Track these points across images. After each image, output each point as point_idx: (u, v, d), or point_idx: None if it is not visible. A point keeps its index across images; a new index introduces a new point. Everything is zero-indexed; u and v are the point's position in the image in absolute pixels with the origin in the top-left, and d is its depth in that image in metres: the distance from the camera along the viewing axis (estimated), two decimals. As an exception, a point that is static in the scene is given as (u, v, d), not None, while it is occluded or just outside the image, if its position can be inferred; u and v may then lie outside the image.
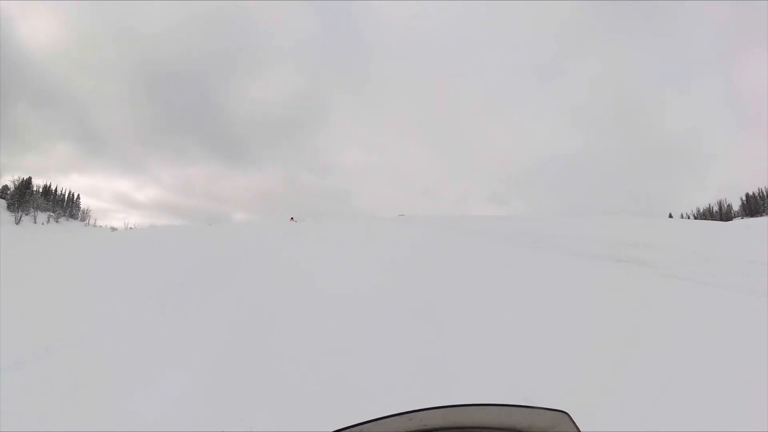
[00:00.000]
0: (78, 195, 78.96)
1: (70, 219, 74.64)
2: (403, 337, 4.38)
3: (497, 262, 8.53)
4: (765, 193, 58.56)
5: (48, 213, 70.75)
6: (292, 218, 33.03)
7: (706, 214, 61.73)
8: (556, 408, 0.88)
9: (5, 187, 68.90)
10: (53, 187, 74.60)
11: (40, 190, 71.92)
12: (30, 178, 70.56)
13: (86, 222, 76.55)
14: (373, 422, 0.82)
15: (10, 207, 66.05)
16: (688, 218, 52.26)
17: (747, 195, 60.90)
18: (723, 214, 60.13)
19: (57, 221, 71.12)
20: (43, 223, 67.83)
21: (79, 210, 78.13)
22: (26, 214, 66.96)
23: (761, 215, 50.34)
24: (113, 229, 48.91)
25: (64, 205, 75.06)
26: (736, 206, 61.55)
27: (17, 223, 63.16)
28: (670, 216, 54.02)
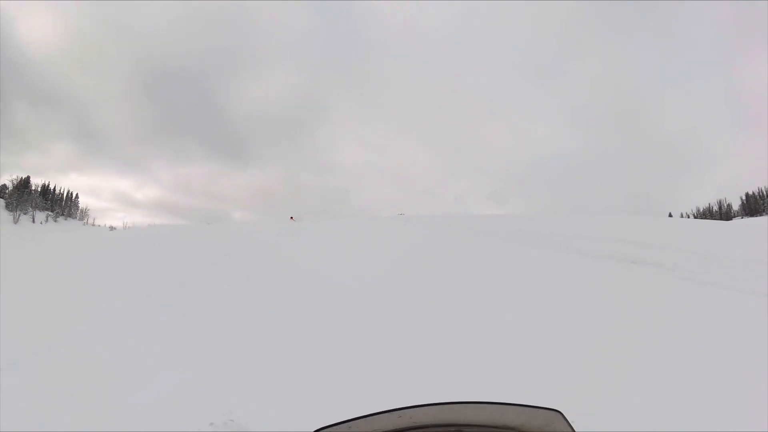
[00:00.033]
0: (76, 194, 78.87)
1: (68, 218, 74.50)
2: (404, 336, 4.35)
3: (498, 261, 8.50)
4: (765, 193, 58.62)
5: (46, 212, 70.61)
6: (291, 217, 33.05)
7: (706, 214, 61.77)
8: (549, 407, 0.86)
9: (3, 187, 68.76)
10: (51, 187, 74.51)
11: (39, 189, 71.77)
12: (28, 177, 70.44)
13: (84, 221, 76.41)
14: (362, 419, 0.81)
15: (9, 206, 65.90)
16: (688, 218, 52.26)
17: (747, 194, 60.96)
18: (723, 213, 60.18)
19: (55, 220, 71.00)
20: (41, 223, 67.71)
21: (77, 209, 78.01)
22: (24, 214, 66.82)
23: (761, 215, 50.40)
24: (112, 228, 48.79)
25: (62, 205, 74.91)
26: (735, 206, 61.62)
27: (15, 223, 63.05)
28: (670, 215, 54.02)
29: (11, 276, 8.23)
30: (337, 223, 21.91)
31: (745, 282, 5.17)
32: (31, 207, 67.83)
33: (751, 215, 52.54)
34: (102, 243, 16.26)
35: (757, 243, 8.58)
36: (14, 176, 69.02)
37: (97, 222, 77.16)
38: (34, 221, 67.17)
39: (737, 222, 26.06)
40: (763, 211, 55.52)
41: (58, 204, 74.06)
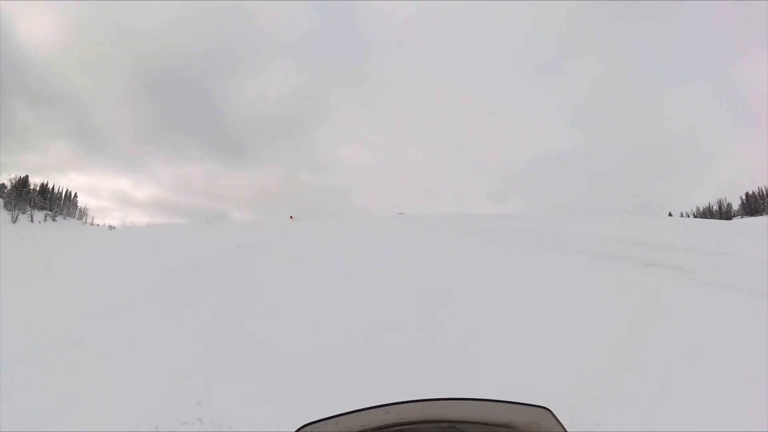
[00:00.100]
0: (75, 193, 78.85)
1: (67, 218, 74.47)
2: (404, 336, 4.33)
3: (499, 261, 8.48)
4: (765, 192, 58.72)
5: (45, 212, 70.57)
6: (291, 217, 33.12)
7: (706, 213, 61.85)
8: (537, 404, 0.85)
9: (2, 186, 68.67)
10: (50, 186, 74.43)
11: (37, 188, 71.70)
12: (27, 177, 70.33)
13: (83, 220, 76.42)
14: (349, 415, 0.81)
15: (7, 205, 65.84)
16: (688, 217, 52.33)
17: (747, 194, 61.06)
18: (723, 213, 60.28)
19: (54, 220, 70.95)
20: (40, 222, 67.66)
21: (76, 208, 77.99)
22: (23, 213, 66.78)
23: (761, 214, 50.51)
24: (111, 227, 48.74)
25: (61, 204, 74.86)
26: (735, 205, 61.75)
27: (14, 222, 62.98)
28: (670, 215, 54.15)
29: (11, 276, 8.20)
30: (336, 223, 21.93)
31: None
32: (30, 206, 67.78)
33: (751, 215, 52.67)
34: (101, 242, 16.24)
35: None
36: (13, 175, 68.93)
37: (95, 221, 77.23)
38: (32, 220, 67.12)
39: (739, 221, 26.08)
40: (763, 210, 55.62)
41: (56, 203, 74.01)
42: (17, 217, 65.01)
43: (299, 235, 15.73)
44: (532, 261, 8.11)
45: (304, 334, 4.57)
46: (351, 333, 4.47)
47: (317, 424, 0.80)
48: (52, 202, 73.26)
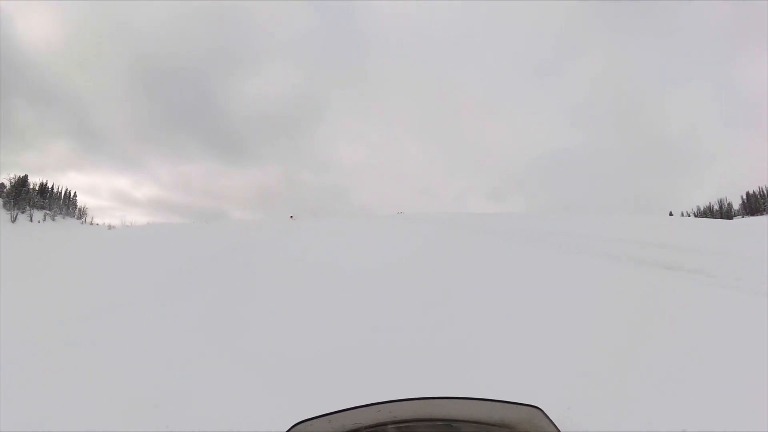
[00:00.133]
0: (74, 193, 78.86)
1: (66, 217, 74.40)
2: (404, 336, 4.33)
3: (500, 260, 8.48)
4: (765, 192, 58.75)
5: (44, 211, 70.52)
6: (291, 216, 33.20)
7: (707, 213, 61.88)
8: (528, 403, 0.86)
9: (1, 185, 68.60)
10: (50, 185, 74.36)
11: (37, 187, 71.61)
12: (26, 176, 70.28)
13: (83, 220, 76.36)
14: (340, 413, 0.81)
15: (6, 205, 65.78)
16: (689, 216, 52.31)
17: (747, 194, 61.09)
18: (723, 212, 60.30)
19: (53, 219, 70.88)
20: (39, 221, 67.60)
21: (75, 208, 77.94)
22: (22, 212, 66.73)
23: (762, 214, 50.53)
24: (110, 227, 48.68)
25: (60, 203, 74.80)
26: (736, 205, 61.78)
27: (13, 221, 62.92)
28: (671, 214, 54.10)
29: (10, 276, 8.20)
30: (337, 222, 21.93)
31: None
32: (29, 206, 67.73)
33: (752, 214, 52.72)
34: (100, 242, 16.23)
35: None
36: (12, 175, 68.87)
37: (95, 221, 77.18)
38: (32, 220, 67.08)
39: (740, 221, 26.08)
40: (764, 210, 55.64)
41: (56, 203, 73.96)
42: (16, 216, 64.96)
43: (299, 234, 15.72)
44: (533, 260, 8.11)
45: (304, 335, 4.57)
46: (351, 333, 4.47)
47: (311, 422, 0.80)
48: (52, 202, 73.23)
